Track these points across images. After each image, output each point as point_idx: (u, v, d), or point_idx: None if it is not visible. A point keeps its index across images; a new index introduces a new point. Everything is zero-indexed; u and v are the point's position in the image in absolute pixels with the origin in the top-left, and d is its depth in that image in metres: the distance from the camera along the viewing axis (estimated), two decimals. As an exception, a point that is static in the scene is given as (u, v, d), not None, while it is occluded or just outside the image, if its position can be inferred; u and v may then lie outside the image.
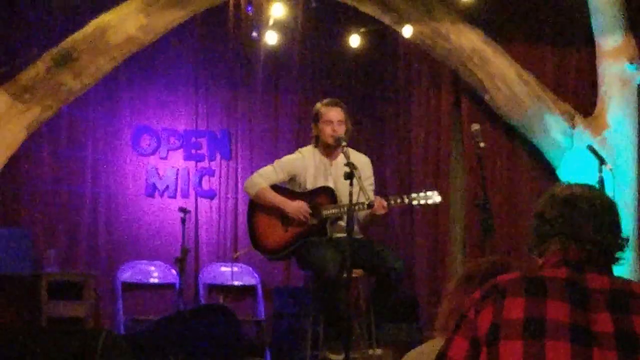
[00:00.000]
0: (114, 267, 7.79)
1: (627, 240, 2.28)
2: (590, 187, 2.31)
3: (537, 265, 2.26)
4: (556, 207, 2.27)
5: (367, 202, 5.37)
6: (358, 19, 7.51)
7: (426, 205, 5.68)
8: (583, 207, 2.25)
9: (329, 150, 5.79)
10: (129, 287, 7.80)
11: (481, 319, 2.11)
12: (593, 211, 2.24)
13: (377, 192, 5.90)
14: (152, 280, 7.89)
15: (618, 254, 2.26)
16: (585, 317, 2.05)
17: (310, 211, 5.69)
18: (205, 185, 8.14)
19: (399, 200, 5.61)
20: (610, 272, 2.20)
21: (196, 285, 7.91)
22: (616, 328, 2.03)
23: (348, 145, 5.53)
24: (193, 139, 8.16)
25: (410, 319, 7.35)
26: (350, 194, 5.14)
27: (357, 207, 5.39)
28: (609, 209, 2.27)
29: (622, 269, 6.43)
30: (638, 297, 2.10)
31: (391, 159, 8.27)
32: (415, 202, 5.64)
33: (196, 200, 8.07)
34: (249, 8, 7.93)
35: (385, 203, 5.51)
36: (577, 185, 2.33)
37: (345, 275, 5.16)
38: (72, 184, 7.79)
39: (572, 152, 7.13)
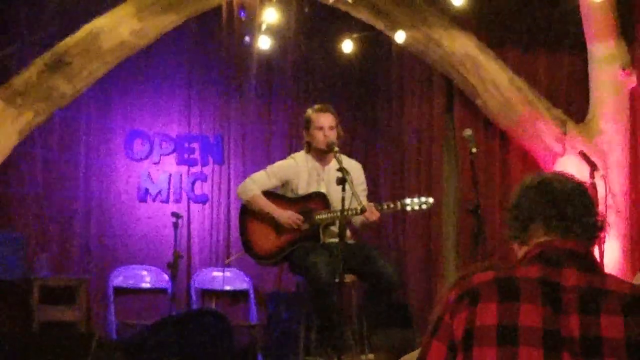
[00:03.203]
0: (106, 271, 7.78)
1: (604, 219, 2.28)
2: (559, 173, 2.33)
3: (516, 260, 2.26)
4: (532, 193, 2.27)
5: (359, 208, 5.37)
6: (351, 25, 7.52)
7: (419, 210, 5.69)
8: (558, 188, 2.26)
9: (321, 155, 5.80)
10: (121, 291, 7.79)
11: (457, 323, 2.11)
12: (569, 192, 2.25)
13: (370, 197, 5.91)
14: (144, 285, 7.88)
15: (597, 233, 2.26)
16: (557, 320, 2.04)
17: (302, 218, 5.70)
18: (197, 190, 8.13)
19: (391, 206, 5.62)
20: (590, 264, 2.16)
21: (188, 290, 7.90)
22: (582, 332, 2.02)
23: (340, 151, 5.54)
24: (186, 144, 8.15)
25: (402, 325, 7.35)
26: (343, 200, 5.15)
27: (349, 213, 5.39)
28: (582, 190, 2.28)
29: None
30: (610, 294, 2.08)
31: (384, 164, 8.28)
32: (408, 208, 5.65)
33: (189, 205, 8.07)
34: (242, 13, 7.94)
35: (376, 211, 5.52)
36: (545, 172, 2.36)
37: (337, 280, 5.16)
38: (64, 188, 7.78)
39: (564, 157, 7.13)
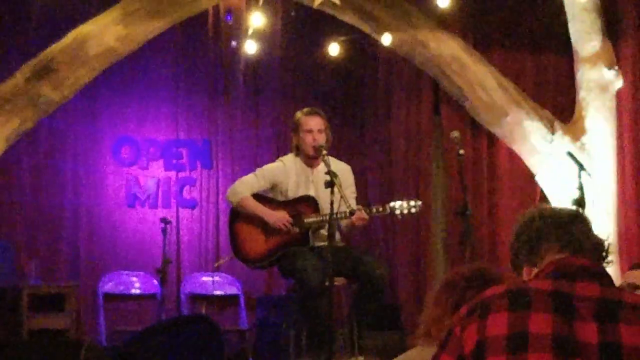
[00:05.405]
0: (95, 278, 7.76)
1: (609, 244, 2.30)
2: (553, 206, 2.37)
3: (530, 276, 2.26)
4: (536, 221, 2.28)
5: (348, 211, 5.37)
6: (337, 28, 7.53)
7: (407, 214, 5.69)
8: (560, 214, 2.29)
9: (309, 159, 5.80)
10: (110, 298, 7.77)
11: (467, 336, 2.10)
12: (571, 216, 2.28)
13: (359, 200, 5.91)
14: (133, 291, 7.87)
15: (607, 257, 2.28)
16: (569, 327, 2.03)
17: (292, 220, 5.70)
18: (186, 195, 8.13)
19: (380, 209, 5.63)
20: (605, 279, 2.16)
21: (178, 295, 7.90)
22: (601, 339, 2.01)
23: (328, 154, 5.55)
24: (173, 149, 8.14)
25: (392, 327, 7.36)
26: (332, 203, 5.15)
27: (338, 216, 5.39)
28: (581, 214, 2.32)
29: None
30: (628, 306, 2.07)
31: (372, 166, 8.29)
32: (397, 212, 5.65)
33: (177, 210, 8.06)
34: (228, 17, 7.94)
35: (364, 215, 5.52)
36: (540, 206, 2.38)
37: (327, 283, 5.17)
38: (52, 195, 7.76)
39: (551, 158, 7.15)
